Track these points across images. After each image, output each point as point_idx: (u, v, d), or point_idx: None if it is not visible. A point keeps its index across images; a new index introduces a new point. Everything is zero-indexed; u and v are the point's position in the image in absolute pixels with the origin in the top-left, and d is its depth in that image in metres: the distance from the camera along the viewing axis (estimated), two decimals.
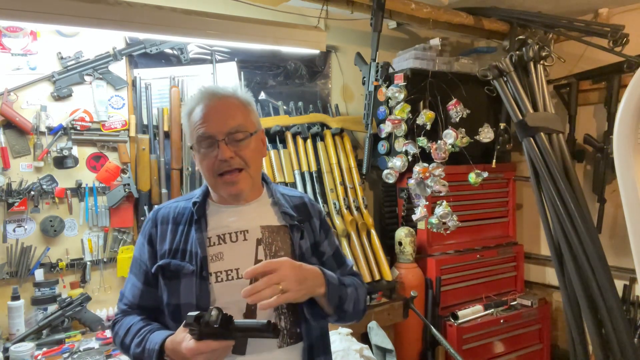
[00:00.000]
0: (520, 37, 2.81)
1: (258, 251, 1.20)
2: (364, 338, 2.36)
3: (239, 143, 1.18)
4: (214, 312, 1.01)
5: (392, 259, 2.77)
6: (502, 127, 2.83)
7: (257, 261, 1.18)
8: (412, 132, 2.61)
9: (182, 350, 1.03)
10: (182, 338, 1.04)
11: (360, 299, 1.27)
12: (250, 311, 1.14)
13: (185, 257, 1.18)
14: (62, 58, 2.15)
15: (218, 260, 1.18)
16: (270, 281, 1.04)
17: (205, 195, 1.27)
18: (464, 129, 2.59)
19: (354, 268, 1.42)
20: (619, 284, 2.61)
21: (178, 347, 1.04)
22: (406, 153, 2.58)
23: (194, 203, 1.24)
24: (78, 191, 2.18)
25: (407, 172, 2.61)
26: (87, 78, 2.20)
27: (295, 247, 1.22)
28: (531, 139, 2.32)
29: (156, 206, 1.32)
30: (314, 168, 2.62)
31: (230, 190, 1.19)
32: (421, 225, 2.75)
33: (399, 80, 2.64)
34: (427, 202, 2.59)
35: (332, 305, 1.16)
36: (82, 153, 2.21)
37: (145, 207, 2.26)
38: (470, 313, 2.78)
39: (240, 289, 1.10)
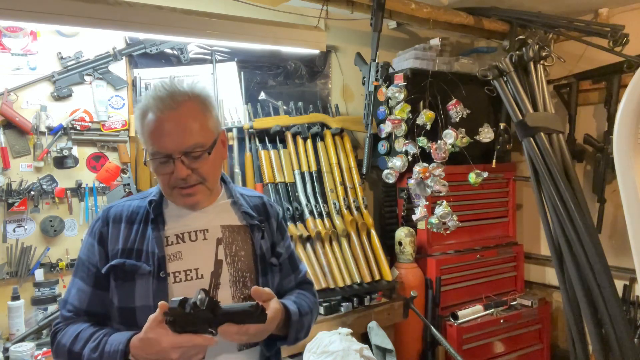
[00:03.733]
0: (520, 37, 2.81)
1: (218, 251, 1.17)
2: (364, 338, 2.36)
3: (197, 160, 1.11)
4: (200, 296, 0.96)
5: (392, 259, 2.77)
6: (502, 127, 2.83)
7: (217, 261, 1.16)
8: (412, 132, 2.61)
9: (160, 344, 0.97)
10: (158, 333, 0.98)
11: (313, 320, 1.28)
12: None
13: (141, 257, 1.12)
14: (62, 58, 2.15)
15: (176, 260, 1.14)
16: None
17: (162, 194, 1.21)
18: (464, 129, 2.59)
19: (308, 275, 1.43)
20: (619, 284, 2.61)
21: (152, 342, 0.98)
22: (406, 153, 2.58)
23: (150, 202, 1.18)
24: (78, 191, 2.18)
25: (407, 172, 2.60)
26: (87, 78, 2.20)
27: (257, 247, 1.21)
28: (531, 139, 2.32)
29: (106, 205, 1.28)
30: (314, 168, 2.62)
31: (186, 201, 1.15)
32: (421, 225, 2.75)
33: (399, 80, 2.64)
34: (427, 202, 2.59)
35: (290, 338, 1.18)
36: (82, 153, 2.21)
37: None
38: (470, 313, 2.78)
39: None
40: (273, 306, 1.08)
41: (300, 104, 2.74)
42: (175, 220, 1.18)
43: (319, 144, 2.68)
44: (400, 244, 2.69)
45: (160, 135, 1.09)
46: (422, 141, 2.58)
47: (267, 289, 1.10)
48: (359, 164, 2.70)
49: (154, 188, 1.25)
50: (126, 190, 2.21)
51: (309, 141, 2.66)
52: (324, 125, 2.74)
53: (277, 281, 1.25)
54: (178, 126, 1.09)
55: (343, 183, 2.66)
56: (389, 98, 2.63)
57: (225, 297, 1.14)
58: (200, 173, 1.12)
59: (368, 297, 2.47)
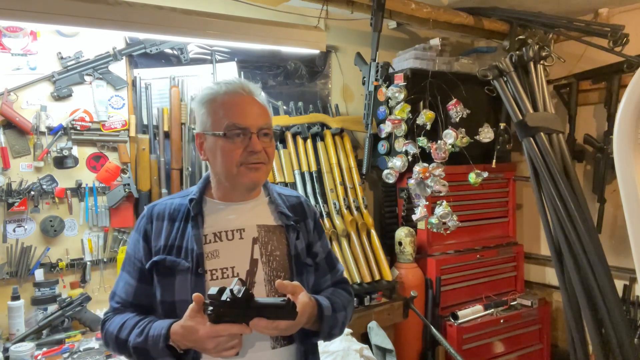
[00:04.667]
0: (520, 37, 2.81)
1: (254, 250, 1.20)
2: (364, 338, 2.36)
3: (266, 138, 1.21)
4: (236, 287, 1.01)
5: (392, 259, 2.77)
6: (502, 127, 2.83)
7: (252, 260, 1.19)
8: (412, 132, 2.60)
9: (198, 332, 1.03)
10: (197, 321, 1.04)
11: (347, 318, 1.29)
12: None
13: (180, 253, 1.18)
14: (62, 58, 2.15)
15: (214, 258, 1.18)
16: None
17: (202, 192, 1.26)
18: (464, 129, 2.59)
19: (345, 274, 1.45)
20: (619, 284, 2.61)
21: (190, 330, 1.05)
22: (406, 153, 2.58)
23: (191, 200, 1.23)
24: (78, 191, 2.18)
25: (407, 172, 2.60)
26: (87, 78, 2.20)
27: (291, 248, 1.23)
28: (531, 139, 2.32)
29: (150, 203, 1.30)
30: (314, 168, 2.62)
31: (253, 177, 1.19)
32: (421, 225, 2.75)
33: (399, 80, 2.64)
34: (427, 202, 2.59)
35: (323, 333, 1.20)
36: (82, 153, 2.21)
37: (145, 207, 2.25)
38: (470, 313, 2.78)
39: None
40: (302, 299, 1.10)
41: (300, 104, 2.74)
42: (214, 219, 1.22)
43: (319, 144, 2.68)
44: (400, 244, 2.69)
45: (241, 110, 1.18)
46: (422, 141, 2.58)
47: (293, 282, 1.13)
48: (359, 164, 2.70)
49: (194, 187, 1.29)
50: (126, 190, 2.22)
51: (309, 141, 2.66)
52: (324, 125, 2.74)
53: (313, 281, 1.27)
54: (257, 106, 1.21)
55: (343, 183, 2.66)
56: (389, 98, 2.63)
57: (260, 296, 1.16)
58: (267, 152, 1.21)
59: (368, 297, 2.47)
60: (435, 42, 2.80)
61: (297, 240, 1.25)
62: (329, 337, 1.24)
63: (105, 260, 2.23)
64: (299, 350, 1.20)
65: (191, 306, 1.06)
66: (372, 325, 2.37)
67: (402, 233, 2.69)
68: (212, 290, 1.02)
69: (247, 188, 1.23)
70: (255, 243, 1.21)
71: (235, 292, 1.00)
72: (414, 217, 2.60)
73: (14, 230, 2.06)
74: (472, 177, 2.61)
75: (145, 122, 2.34)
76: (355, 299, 2.42)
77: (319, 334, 1.20)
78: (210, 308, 1.02)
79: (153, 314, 1.19)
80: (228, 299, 1.00)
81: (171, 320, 1.10)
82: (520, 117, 2.36)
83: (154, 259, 1.18)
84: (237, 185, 1.22)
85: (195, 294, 1.05)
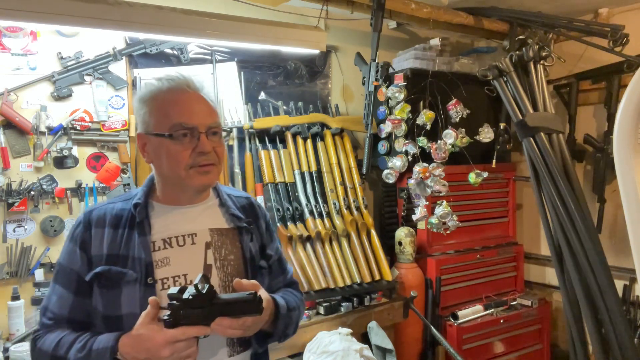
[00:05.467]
0: (520, 37, 2.81)
1: (207, 255, 1.15)
2: (364, 338, 2.36)
3: (216, 137, 1.14)
4: (200, 285, 0.95)
5: (392, 259, 2.77)
6: (502, 127, 2.83)
7: (206, 266, 1.14)
8: (412, 132, 2.60)
9: (153, 339, 0.96)
10: (151, 329, 0.97)
11: (300, 318, 1.28)
12: None
13: (126, 263, 1.08)
14: (62, 58, 2.15)
15: (164, 266, 1.11)
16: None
17: (147, 195, 1.18)
18: (464, 129, 2.59)
19: (295, 275, 1.44)
20: (619, 284, 2.61)
21: (143, 338, 0.97)
22: (406, 153, 2.58)
23: (136, 205, 1.14)
24: (78, 191, 2.18)
25: (407, 172, 2.60)
26: (87, 78, 2.20)
27: (246, 251, 1.19)
28: (531, 139, 2.33)
29: (87, 208, 1.22)
30: (314, 168, 2.62)
31: (203, 180, 1.13)
32: (421, 225, 2.75)
33: (399, 80, 2.64)
34: (427, 202, 2.59)
35: (278, 333, 1.17)
36: (82, 153, 2.21)
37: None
38: (470, 313, 2.78)
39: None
40: (264, 295, 1.08)
41: (300, 104, 2.74)
42: (162, 224, 1.15)
43: (319, 144, 2.68)
44: (400, 244, 2.69)
45: (188, 108, 1.11)
46: (422, 141, 2.58)
47: (251, 281, 1.10)
48: (359, 164, 2.70)
49: (138, 190, 1.21)
50: (126, 190, 2.21)
51: (309, 141, 2.66)
52: (324, 125, 2.74)
53: (267, 283, 1.23)
54: (204, 104, 1.14)
55: (343, 183, 2.65)
56: (389, 98, 2.63)
57: None
58: (217, 152, 1.14)
59: (368, 297, 2.47)
60: (435, 42, 2.80)
61: (251, 242, 1.21)
62: (284, 337, 1.21)
63: None
64: (255, 355, 1.17)
65: (144, 313, 0.99)
66: (372, 325, 2.37)
67: (402, 233, 2.69)
68: (173, 289, 0.96)
69: (197, 191, 1.17)
70: (208, 248, 1.15)
71: (200, 287, 0.94)
72: (414, 217, 2.60)
73: (14, 230, 2.06)
74: (472, 177, 2.61)
75: None
76: (355, 298, 2.43)
77: (273, 335, 1.18)
78: (167, 313, 0.96)
79: (91, 330, 1.08)
80: (191, 297, 0.94)
81: (118, 332, 1.02)
82: (520, 117, 2.36)
83: (96, 270, 1.08)
84: (186, 188, 1.15)
85: (151, 297, 1.00)
